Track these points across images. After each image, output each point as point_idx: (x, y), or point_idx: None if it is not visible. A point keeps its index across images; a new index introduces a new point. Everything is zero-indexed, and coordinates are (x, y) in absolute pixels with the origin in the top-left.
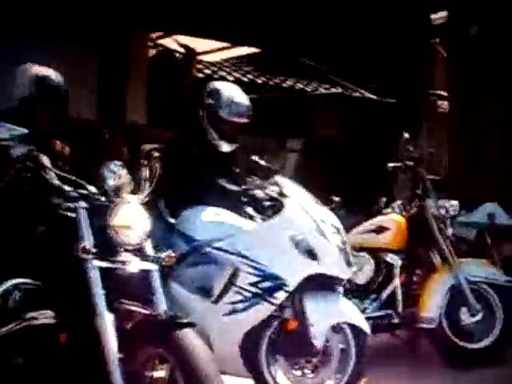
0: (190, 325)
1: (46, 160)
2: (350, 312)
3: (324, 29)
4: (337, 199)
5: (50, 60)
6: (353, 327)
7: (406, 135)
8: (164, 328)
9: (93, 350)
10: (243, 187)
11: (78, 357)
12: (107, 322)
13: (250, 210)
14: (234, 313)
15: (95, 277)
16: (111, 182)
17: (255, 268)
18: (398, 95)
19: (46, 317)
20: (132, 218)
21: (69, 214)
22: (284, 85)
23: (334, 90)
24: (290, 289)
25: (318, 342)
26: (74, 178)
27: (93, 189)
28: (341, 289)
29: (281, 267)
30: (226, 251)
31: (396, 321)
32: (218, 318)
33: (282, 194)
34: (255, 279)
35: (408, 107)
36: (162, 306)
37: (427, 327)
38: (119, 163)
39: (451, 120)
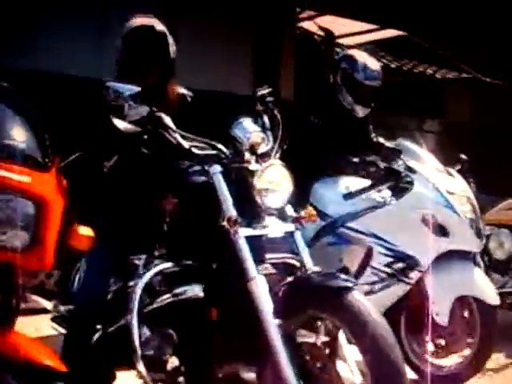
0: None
1: (169, 121)
2: (476, 285)
3: (454, 15)
4: (464, 157)
5: (206, 38)
6: (479, 301)
7: None
8: (325, 289)
9: (249, 319)
10: (372, 158)
11: (232, 329)
12: (261, 285)
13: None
14: (372, 293)
15: (244, 245)
16: (245, 141)
17: (388, 249)
18: None
19: (193, 291)
20: (276, 180)
21: (202, 179)
22: (415, 70)
23: (464, 75)
24: (424, 268)
25: (441, 320)
26: (202, 138)
27: (225, 149)
28: (473, 259)
29: (413, 246)
30: (359, 231)
31: None
32: None
33: (409, 169)
34: (389, 260)
35: None
36: (310, 264)
37: None
38: (250, 119)
39: None
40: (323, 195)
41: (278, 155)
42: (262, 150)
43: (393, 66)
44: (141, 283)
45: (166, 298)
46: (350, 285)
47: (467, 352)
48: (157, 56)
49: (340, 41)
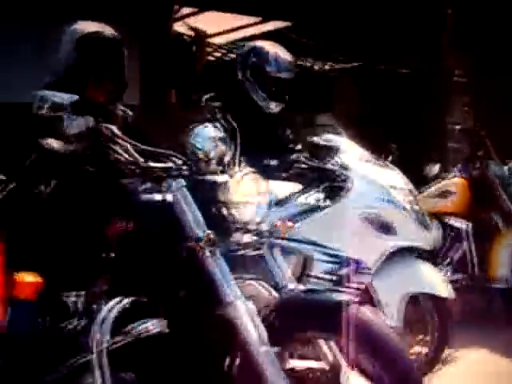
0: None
1: (117, 131)
2: (427, 281)
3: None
4: (394, 146)
5: None
6: (432, 297)
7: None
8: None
9: (232, 352)
10: (296, 157)
11: (212, 366)
12: (242, 310)
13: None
14: None
15: (222, 265)
16: (211, 149)
17: (330, 255)
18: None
19: (156, 326)
20: (252, 191)
21: (160, 197)
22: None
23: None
24: (372, 270)
25: (393, 322)
26: (158, 149)
27: (182, 161)
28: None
29: (358, 249)
30: (294, 240)
31: (469, 283)
32: None
33: (344, 166)
34: (332, 266)
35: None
36: (289, 280)
37: (499, 287)
38: (209, 125)
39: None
40: None
41: (242, 163)
42: (226, 158)
43: None
44: (98, 319)
45: (125, 336)
46: (352, 297)
47: (421, 350)
48: (115, 68)
49: (211, 40)
